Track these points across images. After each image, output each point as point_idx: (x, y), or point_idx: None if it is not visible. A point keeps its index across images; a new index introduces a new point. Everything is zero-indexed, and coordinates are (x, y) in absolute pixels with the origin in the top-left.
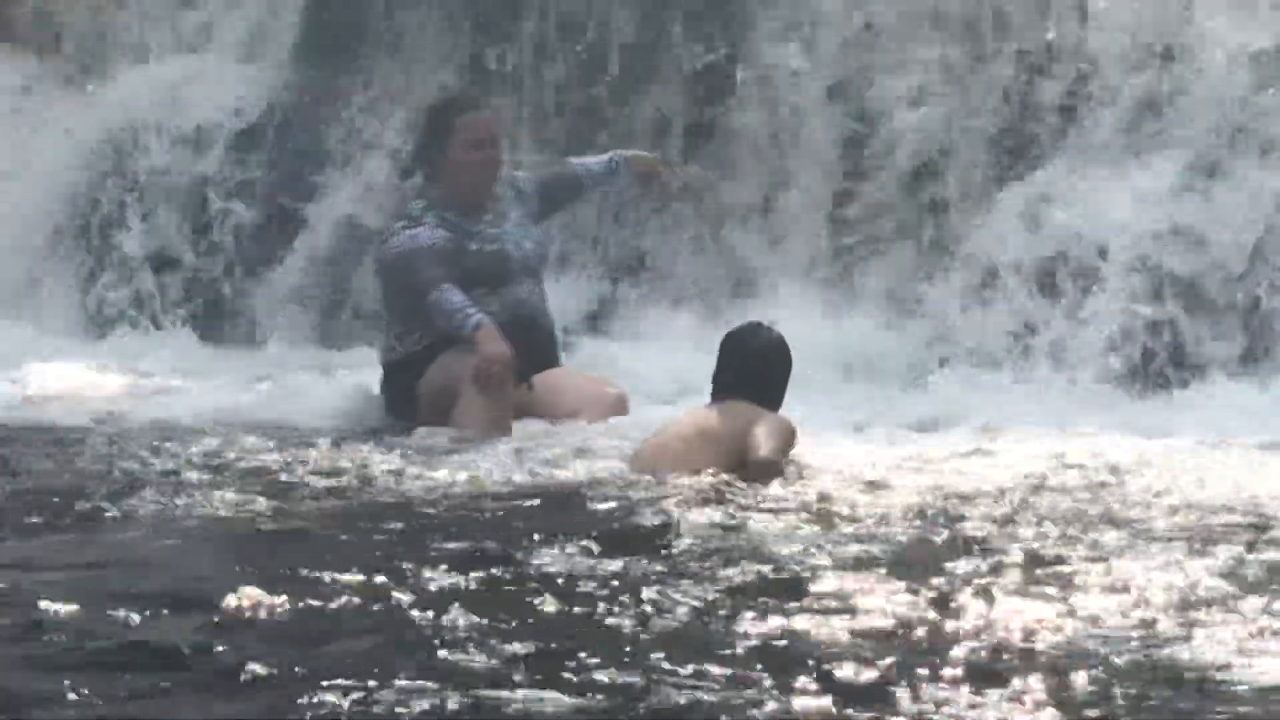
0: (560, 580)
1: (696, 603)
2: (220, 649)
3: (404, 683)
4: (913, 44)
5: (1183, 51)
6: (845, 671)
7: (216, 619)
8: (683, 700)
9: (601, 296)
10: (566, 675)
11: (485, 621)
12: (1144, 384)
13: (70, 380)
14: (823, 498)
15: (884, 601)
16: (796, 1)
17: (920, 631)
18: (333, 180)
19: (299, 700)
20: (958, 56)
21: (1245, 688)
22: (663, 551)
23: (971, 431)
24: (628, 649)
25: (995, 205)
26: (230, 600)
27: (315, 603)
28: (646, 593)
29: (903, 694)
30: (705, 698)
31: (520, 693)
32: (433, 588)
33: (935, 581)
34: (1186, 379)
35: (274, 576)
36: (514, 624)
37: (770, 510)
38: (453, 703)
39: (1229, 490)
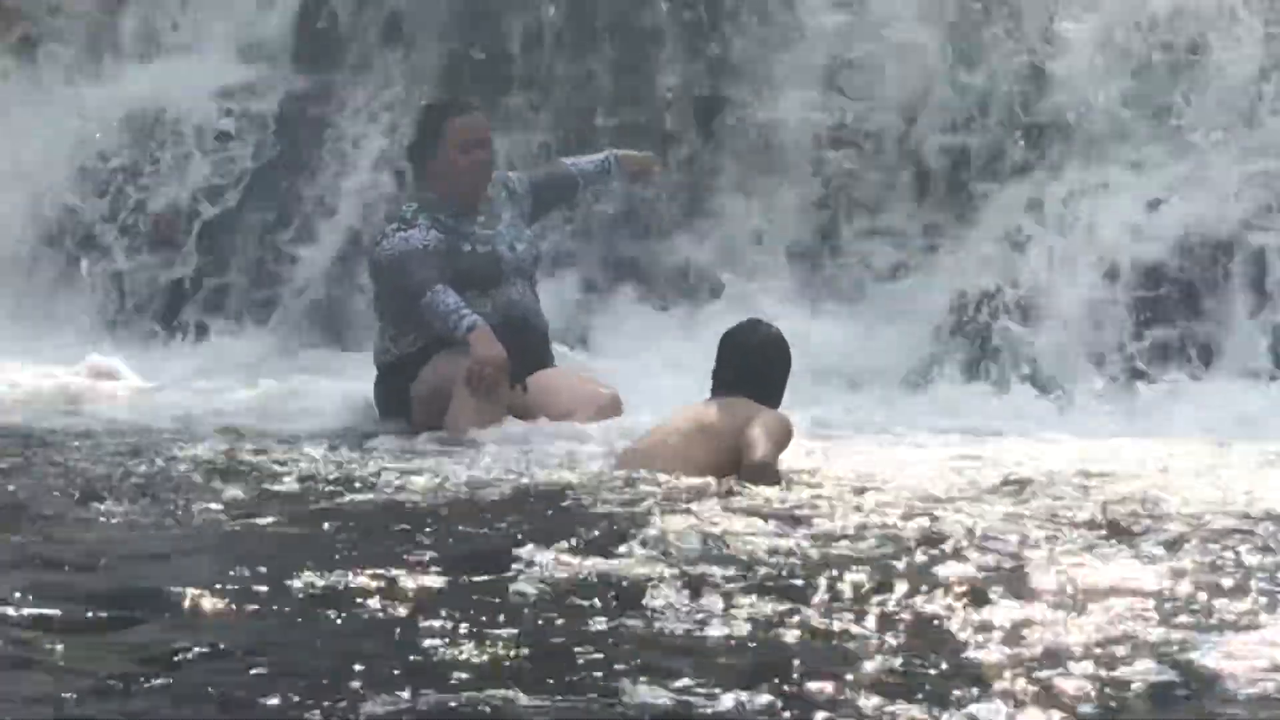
0: (549, 582)
1: (684, 604)
2: (204, 650)
3: (391, 684)
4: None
5: None
6: (835, 673)
7: (201, 620)
8: (670, 702)
9: (586, 299)
10: (554, 677)
11: (473, 623)
12: (1143, 384)
13: (65, 381)
14: (814, 499)
15: (874, 603)
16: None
17: (912, 633)
18: (328, 182)
19: (284, 702)
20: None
21: (1242, 690)
22: (652, 553)
23: (966, 433)
24: (615, 650)
25: (994, 205)
26: (214, 601)
27: (302, 604)
28: (635, 594)
29: (896, 695)
30: (692, 699)
31: (508, 694)
32: (421, 589)
33: (926, 583)
34: (1186, 379)
35: (260, 577)
36: (502, 625)
37: (760, 512)
38: (439, 704)
39: (1228, 490)
